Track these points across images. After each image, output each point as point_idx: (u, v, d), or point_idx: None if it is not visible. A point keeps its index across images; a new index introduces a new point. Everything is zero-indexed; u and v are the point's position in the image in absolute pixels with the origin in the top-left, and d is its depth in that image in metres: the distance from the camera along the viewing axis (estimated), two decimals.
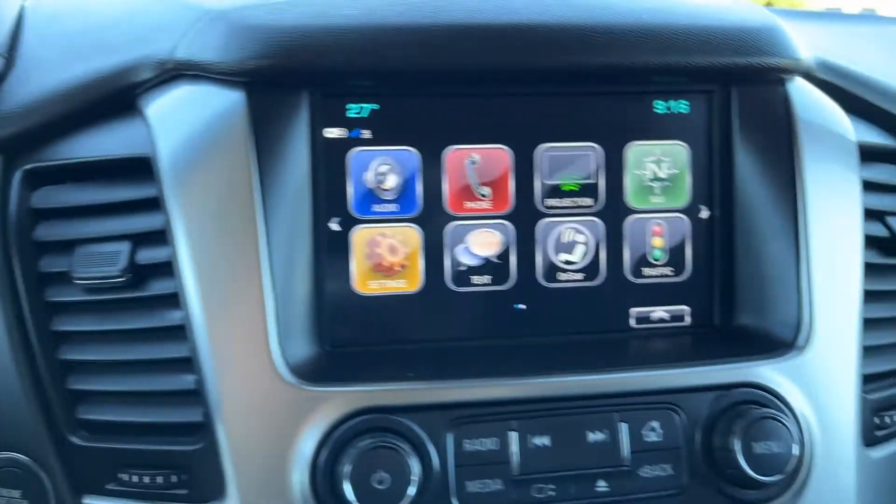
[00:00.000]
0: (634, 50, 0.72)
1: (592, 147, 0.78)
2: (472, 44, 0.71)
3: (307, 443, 0.64)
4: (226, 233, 0.67)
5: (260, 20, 0.70)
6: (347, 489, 0.62)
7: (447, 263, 0.76)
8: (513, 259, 0.77)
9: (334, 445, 0.64)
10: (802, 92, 0.79)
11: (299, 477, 0.64)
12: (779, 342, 0.74)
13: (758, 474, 0.66)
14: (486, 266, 0.77)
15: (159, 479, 0.67)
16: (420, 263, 0.76)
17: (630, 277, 0.79)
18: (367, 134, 0.74)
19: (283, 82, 0.71)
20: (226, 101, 0.70)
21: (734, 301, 0.78)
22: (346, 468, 0.62)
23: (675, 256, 0.79)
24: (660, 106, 0.78)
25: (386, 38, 0.69)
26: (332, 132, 0.74)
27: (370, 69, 0.71)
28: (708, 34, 0.74)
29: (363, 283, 0.75)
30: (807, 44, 0.83)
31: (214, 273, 0.67)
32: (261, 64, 0.69)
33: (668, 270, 0.79)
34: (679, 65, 0.73)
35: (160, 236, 0.69)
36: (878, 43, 1.06)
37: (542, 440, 0.67)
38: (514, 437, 0.66)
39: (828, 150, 0.77)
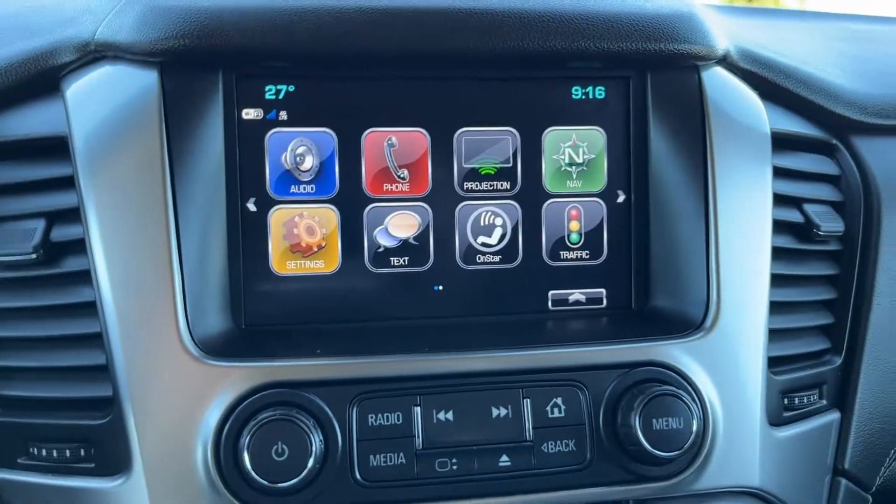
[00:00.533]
0: (547, 35, 0.73)
1: (510, 132, 0.79)
2: (385, 27, 0.71)
3: (211, 417, 0.65)
4: (136, 212, 0.68)
5: (176, 1, 0.71)
6: (247, 461, 0.63)
7: (366, 245, 0.77)
8: (431, 241, 0.78)
9: (238, 419, 0.64)
10: (717, 79, 0.80)
11: (203, 450, 0.65)
12: (688, 323, 0.75)
13: (656, 450, 0.68)
14: (405, 248, 0.78)
15: (67, 453, 0.68)
16: (338, 244, 0.77)
17: (547, 260, 0.80)
18: (284, 115, 0.75)
19: (197, 63, 0.72)
20: (140, 81, 0.71)
21: (649, 284, 0.80)
22: (246, 440, 0.63)
23: (591, 240, 0.80)
24: (577, 92, 0.80)
25: (300, 20, 0.70)
26: (250, 113, 0.75)
27: (284, 51, 0.71)
28: (621, 20, 0.75)
29: (281, 262, 0.76)
30: (729, 34, 0.84)
31: (124, 251, 0.68)
32: (174, 44, 0.69)
33: (584, 254, 0.80)
34: (591, 50, 0.75)
35: (75, 214, 0.70)
36: (813, 37, 1.08)
37: (446, 415, 0.68)
38: (417, 411, 0.67)
39: (739, 136, 0.79)
